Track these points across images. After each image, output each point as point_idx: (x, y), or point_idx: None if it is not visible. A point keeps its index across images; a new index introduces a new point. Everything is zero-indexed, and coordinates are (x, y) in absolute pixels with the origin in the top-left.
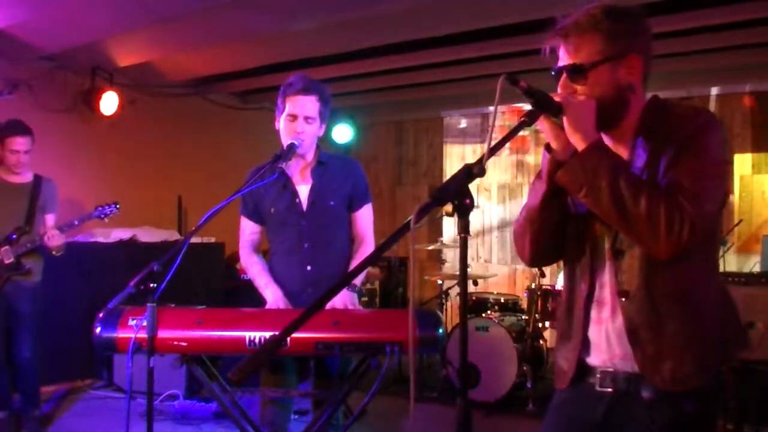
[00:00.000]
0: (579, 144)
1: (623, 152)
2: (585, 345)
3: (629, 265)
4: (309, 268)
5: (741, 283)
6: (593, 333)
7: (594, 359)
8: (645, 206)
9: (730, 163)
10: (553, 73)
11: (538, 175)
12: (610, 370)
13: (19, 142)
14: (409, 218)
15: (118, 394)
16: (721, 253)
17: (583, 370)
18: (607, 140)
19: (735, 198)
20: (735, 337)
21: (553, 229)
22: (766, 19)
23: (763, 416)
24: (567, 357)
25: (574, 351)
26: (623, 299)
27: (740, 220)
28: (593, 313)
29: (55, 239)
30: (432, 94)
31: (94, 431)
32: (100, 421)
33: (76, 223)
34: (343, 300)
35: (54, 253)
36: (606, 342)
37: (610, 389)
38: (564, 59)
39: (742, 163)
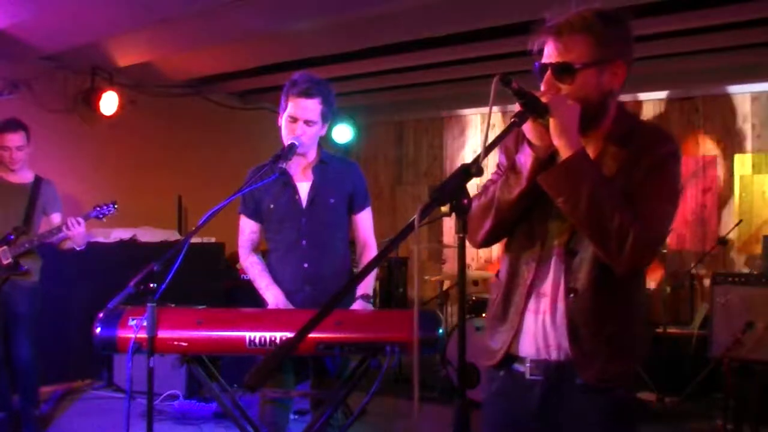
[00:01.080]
0: (563, 148)
1: (592, 153)
2: (518, 331)
3: (580, 265)
4: (306, 265)
5: (741, 283)
6: (528, 321)
7: (524, 348)
8: (618, 224)
9: (682, 191)
10: (536, 67)
11: (513, 168)
12: (542, 358)
13: (10, 139)
14: (412, 218)
15: (118, 394)
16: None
17: (511, 356)
18: None
19: (735, 198)
20: (649, 340)
21: (516, 219)
22: (766, 19)
23: (763, 416)
24: (500, 338)
25: (509, 333)
26: (571, 296)
27: (740, 220)
28: (531, 303)
29: (76, 227)
30: (432, 94)
31: (94, 431)
32: (100, 421)
33: (84, 219)
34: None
35: (72, 244)
36: (542, 332)
37: (540, 377)
38: (552, 56)
39: (742, 163)
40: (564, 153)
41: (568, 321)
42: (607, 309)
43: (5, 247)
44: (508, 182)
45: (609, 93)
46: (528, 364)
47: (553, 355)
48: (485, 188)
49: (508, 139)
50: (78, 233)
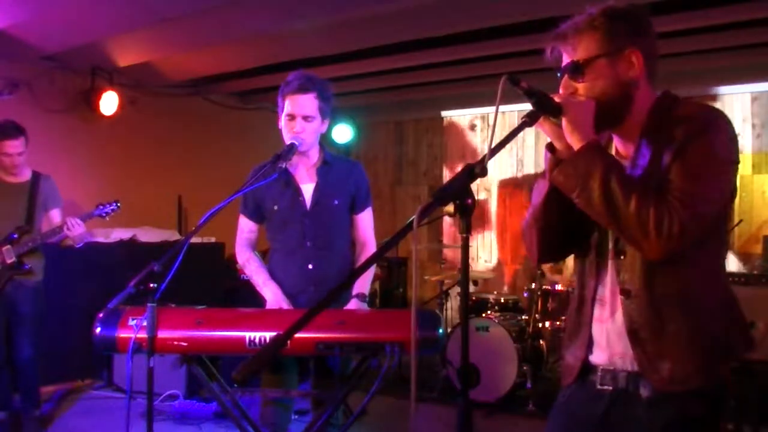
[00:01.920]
0: (576, 145)
1: (630, 150)
2: (590, 343)
3: (630, 264)
4: (310, 266)
5: (741, 283)
6: (596, 331)
7: (596, 357)
8: (635, 207)
9: (736, 162)
10: (559, 74)
11: (542, 175)
12: (610, 368)
13: (12, 145)
14: (411, 218)
15: (118, 394)
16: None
17: (586, 367)
18: (615, 138)
19: (735, 198)
20: (739, 339)
21: (558, 226)
22: (766, 19)
23: (763, 416)
24: (575, 353)
25: (581, 348)
26: (623, 298)
27: (740, 220)
28: (596, 312)
29: (76, 227)
30: (432, 94)
31: (94, 431)
32: (100, 421)
33: (87, 217)
34: (355, 305)
35: (73, 243)
36: (606, 340)
37: (609, 387)
38: (565, 61)
39: (742, 163)
40: (576, 147)
41: (626, 325)
42: (667, 306)
43: (8, 246)
44: (538, 187)
45: (630, 83)
46: (599, 374)
47: (620, 365)
48: (532, 203)
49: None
50: (78, 234)
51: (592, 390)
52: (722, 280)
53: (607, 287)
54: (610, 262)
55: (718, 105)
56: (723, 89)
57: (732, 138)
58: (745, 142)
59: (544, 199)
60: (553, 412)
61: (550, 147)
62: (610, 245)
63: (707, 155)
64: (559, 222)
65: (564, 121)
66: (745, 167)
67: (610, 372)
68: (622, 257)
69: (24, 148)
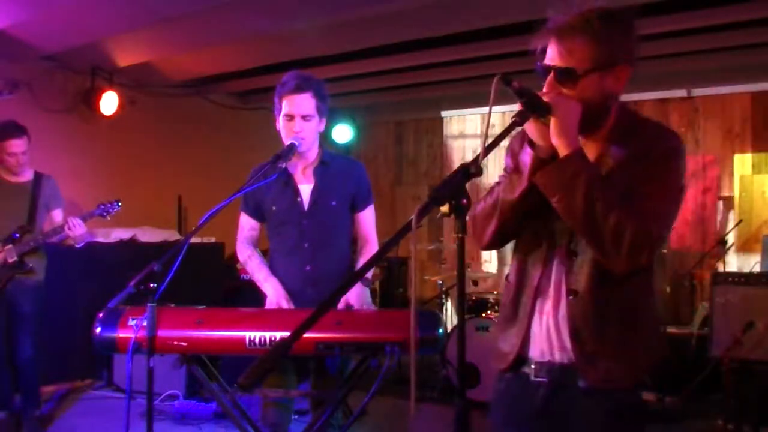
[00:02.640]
0: (561, 148)
1: (592, 154)
2: (527, 333)
3: (580, 266)
4: (308, 268)
5: (741, 283)
6: (535, 323)
7: (531, 349)
8: (613, 224)
9: (685, 189)
10: (538, 67)
11: (515, 169)
12: (546, 360)
13: (16, 144)
14: (410, 218)
15: (118, 394)
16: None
17: (521, 358)
18: (579, 140)
19: (735, 198)
20: (661, 344)
21: (520, 220)
22: (766, 19)
23: (763, 416)
24: (510, 341)
25: (519, 336)
26: (570, 297)
27: (740, 220)
28: (537, 305)
29: (77, 228)
30: (432, 94)
31: (94, 431)
32: (100, 421)
33: (88, 217)
34: (357, 293)
35: (74, 243)
36: (546, 333)
37: (545, 379)
38: (554, 59)
39: (742, 163)
40: (562, 152)
41: (569, 322)
42: (609, 310)
43: (10, 246)
44: (511, 182)
45: (611, 96)
46: (533, 366)
47: (557, 358)
48: (491, 190)
49: (515, 141)
50: (79, 234)
51: (526, 381)
52: (653, 294)
53: (552, 282)
54: (557, 260)
55: (717, 105)
56: (723, 89)
57: (685, 165)
58: (745, 142)
59: (520, 196)
60: (492, 408)
61: (531, 143)
62: (560, 243)
63: (674, 181)
64: (522, 217)
65: (552, 122)
66: (745, 167)
67: (546, 364)
68: (573, 258)
69: (27, 147)
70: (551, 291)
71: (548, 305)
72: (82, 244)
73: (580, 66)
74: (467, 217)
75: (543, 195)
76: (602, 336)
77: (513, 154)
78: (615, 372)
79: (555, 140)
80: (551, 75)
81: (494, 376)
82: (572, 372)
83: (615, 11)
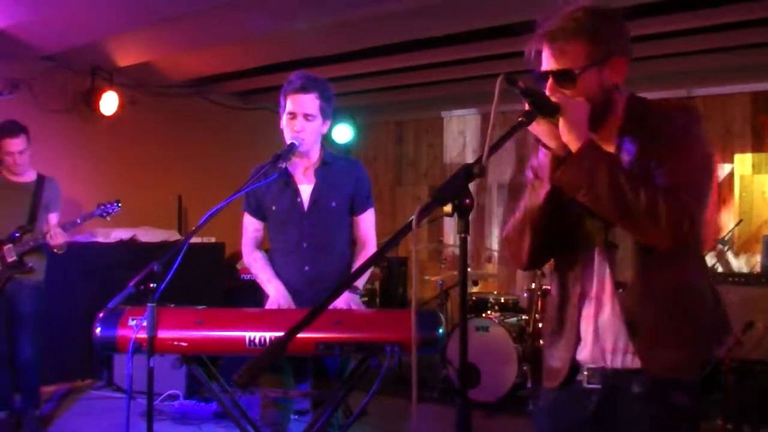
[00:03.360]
0: (572, 144)
1: (608, 149)
2: (576, 342)
3: (624, 256)
4: (307, 268)
5: (741, 283)
6: (583, 329)
7: (582, 356)
8: (645, 200)
9: (716, 154)
10: (535, 75)
11: (536, 176)
12: (599, 366)
13: (13, 144)
14: (410, 218)
15: (118, 394)
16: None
17: (574, 368)
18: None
19: (735, 198)
20: (723, 331)
21: (550, 228)
22: (766, 19)
23: (763, 416)
24: (560, 356)
25: (568, 349)
26: (620, 291)
27: (740, 220)
28: (584, 310)
29: (57, 237)
30: (432, 94)
31: (94, 431)
32: (100, 421)
33: (79, 221)
34: (345, 301)
35: (56, 251)
36: (593, 336)
37: (598, 386)
38: (549, 63)
39: (742, 163)
40: (574, 147)
41: (624, 316)
42: (662, 297)
43: (10, 245)
44: (534, 189)
45: (612, 88)
46: (585, 373)
47: (610, 362)
48: (517, 207)
49: (533, 156)
50: (59, 243)
51: (579, 389)
52: (708, 275)
53: (594, 282)
54: (597, 257)
55: (717, 105)
56: (723, 89)
57: (707, 132)
58: (745, 142)
59: (545, 200)
60: (539, 415)
61: (544, 146)
62: (598, 241)
63: (697, 150)
64: (552, 224)
65: (561, 121)
66: (745, 167)
67: (599, 370)
68: (614, 250)
69: (26, 146)
70: (595, 291)
71: (592, 307)
72: (63, 252)
73: (576, 65)
74: (502, 237)
75: (569, 199)
76: (660, 324)
77: (533, 165)
78: (679, 359)
79: (565, 137)
80: (550, 80)
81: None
82: (626, 376)
83: (602, 8)
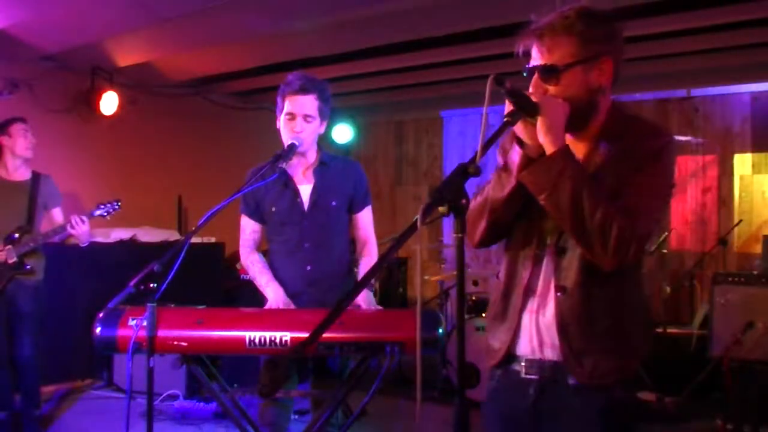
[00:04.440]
0: (547, 146)
1: (581, 151)
2: (517, 331)
3: (569, 263)
4: (309, 268)
5: (741, 283)
6: (524, 321)
7: (521, 347)
8: (600, 220)
9: (674, 185)
10: (525, 72)
11: (505, 167)
12: (537, 358)
13: (26, 126)
14: (415, 218)
15: (118, 394)
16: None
17: (511, 355)
18: (567, 139)
19: (735, 198)
20: (649, 340)
21: (510, 218)
22: (766, 19)
23: (763, 416)
24: (500, 338)
25: (508, 333)
26: (559, 294)
27: (740, 220)
28: (527, 302)
29: (80, 225)
30: (432, 94)
31: (94, 431)
32: (100, 421)
33: (88, 217)
34: (363, 297)
35: (79, 243)
36: (535, 330)
37: (535, 376)
38: (537, 59)
39: (742, 163)
40: (548, 150)
41: (557, 319)
42: (598, 306)
43: (10, 246)
44: (500, 181)
45: (597, 90)
46: (523, 364)
47: (547, 355)
48: (482, 188)
49: (506, 139)
50: (82, 232)
51: (516, 378)
52: (643, 290)
53: (541, 280)
54: (547, 257)
55: (717, 105)
56: (723, 89)
57: (675, 163)
58: (745, 142)
59: (508, 195)
60: (485, 405)
61: (520, 142)
62: (550, 241)
63: (663, 178)
64: (512, 216)
65: (539, 121)
66: (745, 167)
67: (537, 362)
68: (562, 255)
69: (34, 140)
70: (540, 289)
71: (537, 303)
72: (86, 243)
73: (561, 62)
74: None
75: (531, 193)
76: (590, 332)
77: (503, 151)
78: (602, 368)
79: (541, 138)
80: (536, 75)
81: (486, 372)
82: (562, 369)
83: (595, 9)
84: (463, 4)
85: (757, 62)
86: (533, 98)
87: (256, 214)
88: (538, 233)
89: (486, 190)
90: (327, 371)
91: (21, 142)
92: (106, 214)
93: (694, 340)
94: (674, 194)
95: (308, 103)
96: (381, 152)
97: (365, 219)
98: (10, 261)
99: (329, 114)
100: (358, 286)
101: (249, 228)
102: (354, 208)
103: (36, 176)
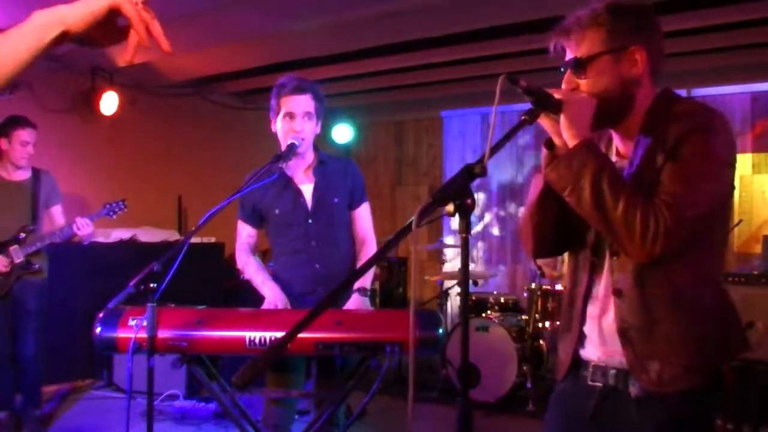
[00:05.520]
0: (570, 141)
1: (629, 149)
2: (581, 339)
3: (623, 264)
4: (318, 266)
5: (741, 283)
6: (588, 328)
7: (587, 353)
8: (622, 209)
9: (732, 164)
10: (561, 70)
11: (538, 169)
12: (602, 364)
13: (29, 134)
14: (411, 219)
15: (118, 394)
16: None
17: (578, 362)
18: (615, 137)
19: (735, 198)
20: (734, 341)
21: (553, 222)
22: (766, 19)
23: (763, 416)
24: (566, 349)
25: (572, 343)
26: (616, 298)
27: (740, 220)
28: (589, 309)
29: (85, 227)
30: (432, 94)
31: (94, 431)
32: (100, 421)
33: (95, 217)
34: (356, 304)
35: (82, 241)
36: (598, 337)
37: (600, 384)
38: (568, 56)
39: (742, 163)
40: (571, 145)
41: (617, 324)
42: (658, 308)
43: (16, 246)
44: (535, 182)
45: (631, 81)
46: (590, 369)
47: (612, 362)
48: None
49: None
50: (87, 233)
51: (583, 384)
52: (716, 281)
53: (602, 285)
54: (606, 261)
55: (717, 105)
56: (723, 89)
57: (728, 140)
58: (745, 142)
59: (540, 195)
60: (549, 406)
61: (547, 144)
62: (607, 243)
63: (699, 157)
64: (555, 218)
65: (562, 118)
66: (745, 167)
67: (601, 368)
68: (615, 257)
69: (35, 140)
70: (601, 294)
71: (599, 308)
72: (88, 241)
73: (587, 53)
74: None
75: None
76: (653, 335)
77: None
78: (669, 373)
79: (565, 135)
80: (568, 72)
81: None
82: (625, 377)
83: (625, 3)
84: (463, 4)
85: (757, 62)
86: (556, 95)
87: (253, 219)
88: (593, 237)
89: (528, 198)
90: (333, 369)
91: (18, 150)
92: (112, 213)
93: None
94: (727, 174)
95: (306, 102)
96: (381, 152)
97: (363, 215)
98: (17, 261)
99: (323, 114)
100: (341, 287)
101: (245, 232)
102: (352, 205)
103: (36, 173)
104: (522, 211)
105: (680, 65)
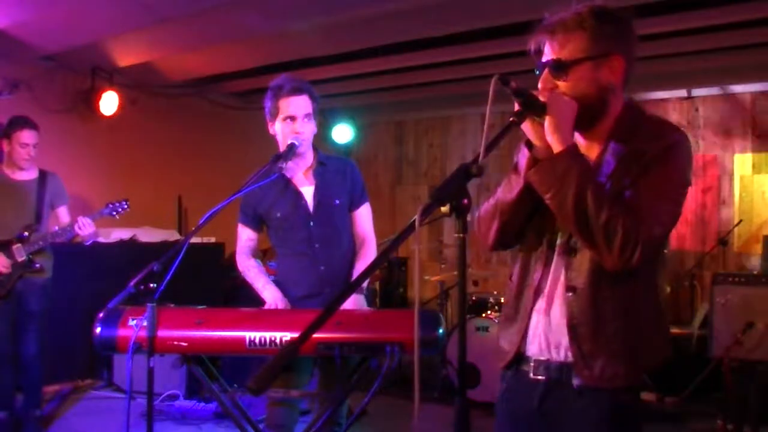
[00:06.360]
0: (555, 145)
1: (594, 152)
2: (526, 332)
3: (580, 263)
4: (323, 268)
5: (741, 283)
6: (534, 321)
7: (530, 348)
8: (604, 220)
9: (690, 183)
10: (537, 71)
11: (514, 169)
12: (544, 358)
13: (30, 135)
14: (413, 219)
15: (118, 394)
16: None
17: (520, 356)
18: (580, 140)
19: (735, 198)
20: (666, 345)
21: (522, 221)
22: (766, 19)
23: (763, 416)
24: (511, 339)
25: (518, 334)
26: (569, 294)
27: (740, 220)
28: (537, 302)
29: (86, 227)
30: (432, 94)
31: (94, 431)
32: (100, 421)
33: (97, 216)
34: (353, 304)
35: (83, 241)
36: (543, 331)
37: (543, 377)
38: (548, 55)
39: (742, 163)
40: (556, 149)
41: (567, 319)
42: (609, 308)
43: (19, 245)
44: (509, 183)
45: (608, 88)
46: (532, 364)
47: (555, 356)
48: (493, 191)
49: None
50: (89, 233)
51: (525, 379)
52: (657, 291)
53: (550, 280)
54: (557, 257)
55: (717, 105)
56: (723, 89)
57: (690, 159)
58: (745, 142)
59: (517, 196)
60: (497, 406)
61: (528, 144)
62: (560, 242)
63: (672, 177)
64: (525, 217)
65: (547, 120)
66: (745, 167)
67: (544, 362)
68: (573, 255)
69: (37, 140)
70: (550, 289)
71: (546, 303)
72: (90, 242)
73: (571, 57)
74: (472, 218)
75: (538, 193)
76: (600, 333)
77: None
78: (611, 371)
79: (549, 137)
80: (545, 71)
81: (498, 374)
82: (569, 370)
83: (609, 8)
84: (463, 4)
85: (757, 62)
86: (541, 97)
87: (253, 222)
88: (549, 233)
89: (497, 193)
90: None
91: (18, 151)
92: (115, 213)
93: (694, 341)
94: (685, 195)
95: (304, 103)
96: (381, 152)
97: (364, 216)
98: (20, 259)
99: (319, 115)
100: (350, 288)
101: (245, 236)
102: (353, 205)
103: (43, 174)
104: (486, 205)
105: (680, 65)
